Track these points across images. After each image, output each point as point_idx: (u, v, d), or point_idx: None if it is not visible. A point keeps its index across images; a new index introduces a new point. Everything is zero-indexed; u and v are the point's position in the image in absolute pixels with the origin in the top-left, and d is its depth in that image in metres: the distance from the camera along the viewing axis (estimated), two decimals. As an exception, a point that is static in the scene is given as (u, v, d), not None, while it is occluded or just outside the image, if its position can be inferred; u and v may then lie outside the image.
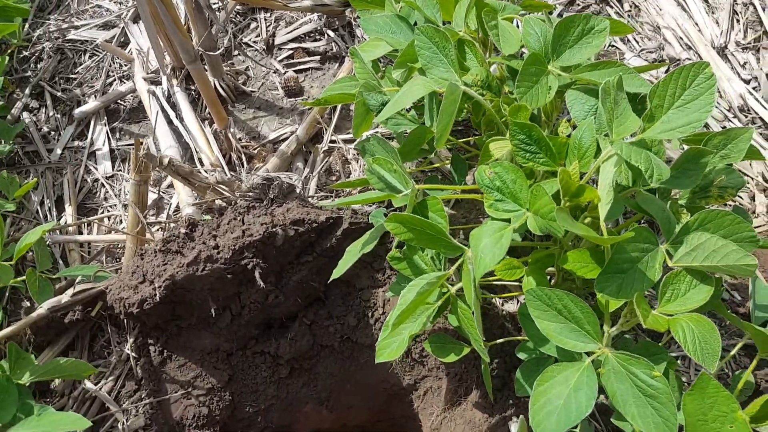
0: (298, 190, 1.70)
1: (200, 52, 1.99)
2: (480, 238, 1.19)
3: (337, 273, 1.51)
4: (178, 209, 1.92)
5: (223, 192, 1.67)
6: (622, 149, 1.12)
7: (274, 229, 1.60)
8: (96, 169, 2.20)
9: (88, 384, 1.75)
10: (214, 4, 2.38)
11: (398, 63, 1.50)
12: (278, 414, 1.94)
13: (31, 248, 1.68)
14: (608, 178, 1.16)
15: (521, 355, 1.46)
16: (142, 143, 1.55)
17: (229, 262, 1.59)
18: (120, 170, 2.19)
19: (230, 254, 1.58)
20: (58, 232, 2.00)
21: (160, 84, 2.17)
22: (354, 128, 1.57)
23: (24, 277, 1.70)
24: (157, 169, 1.58)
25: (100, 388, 1.75)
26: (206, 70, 2.24)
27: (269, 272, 1.67)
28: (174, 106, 2.14)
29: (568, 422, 1.04)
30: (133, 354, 1.78)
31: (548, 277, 1.42)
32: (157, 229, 1.85)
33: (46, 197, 2.16)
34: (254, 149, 2.12)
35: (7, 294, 1.91)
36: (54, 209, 2.13)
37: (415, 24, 1.63)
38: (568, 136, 1.32)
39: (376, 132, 2.04)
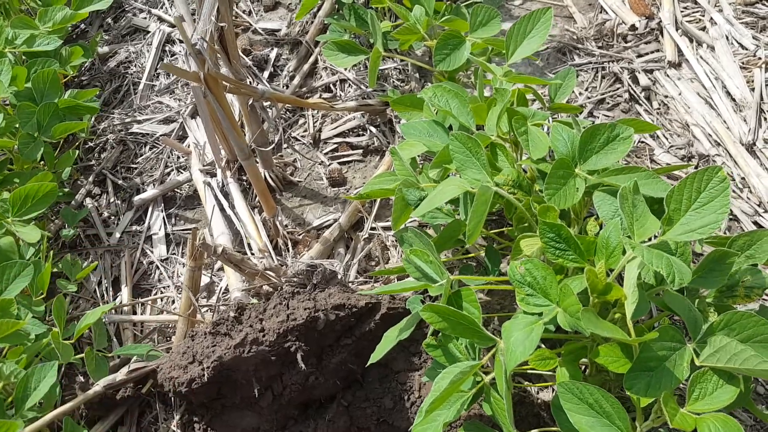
0: (339, 276, 1.81)
1: (253, 148, 2.16)
2: (511, 331, 1.26)
3: (374, 357, 1.59)
4: (227, 292, 2.04)
5: (270, 278, 1.78)
6: (643, 253, 1.20)
7: (316, 314, 1.70)
8: (152, 252, 2.35)
9: (135, 461, 1.83)
10: (266, 103, 2.58)
11: (434, 164, 1.63)
12: (312, 496, 1.98)
13: (89, 327, 1.80)
14: (633, 278, 1.24)
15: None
16: (198, 232, 1.69)
17: (273, 344, 1.68)
18: (174, 254, 2.33)
19: (275, 337, 1.67)
20: (114, 311, 2.13)
21: (215, 176, 2.34)
22: (393, 222, 1.69)
23: (81, 355, 1.82)
24: (211, 257, 1.71)
25: (147, 466, 1.83)
26: (258, 163, 2.41)
27: (310, 355, 1.75)
28: (227, 196, 2.30)
29: None
30: (179, 431, 1.86)
31: (581, 368, 1.48)
32: (206, 311, 1.96)
33: (104, 278, 2.31)
34: (299, 235, 2.25)
35: (62, 369, 2.03)
36: (111, 289, 2.27)
37: (450, 128, 1.76)
38: (597, 234, 1.41)
39: (414, 221, 2.15)
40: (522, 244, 1.42)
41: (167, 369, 1.75)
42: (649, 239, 1.32)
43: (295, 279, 1.80)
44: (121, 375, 1.71)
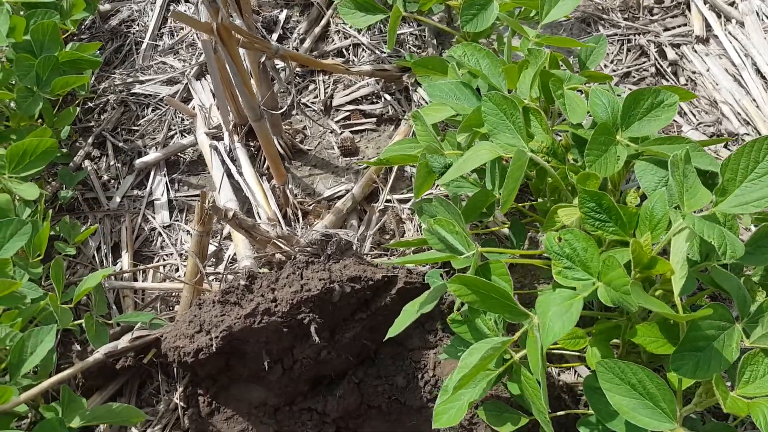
0: (354, 248, 1.71)
1: (263, 111, 2.05)
2: (548, 306, 1.18)
3: (393, 332, 1.51)
4: (234, 261, 1.94)
5: (282, 246, 1.69)
6: (695, 223, 1.11)
7: (331, 285, 1.61)
8: (154, 218, 2.25)
9: (135, 430, 1.74)
10: (278, 65, 2.47)
11: (463, 127, 1.53)
12: (320, 474, 1.90)
13: (88, 292, 1.71)
14: (682, 251, 1.15)
15: (583, 430, 1.41)
16: (208, 195, 1.59)
17: (286, 315, 1.59)
18: (177, 220, 2.23)
19: (288, 308, 1.58)
20: (113, 278, 2.03)
21: (222, 140, 2.23)
22: (415, 189, 1.59)
23: (80, 321, 1.72)
24: (221, 221, 1.61)
25: (147, 438, 1.74)
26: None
27: (324, 328, 1.66)
28: (234, 161, 2.19)
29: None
30: (182, 404, 1.77)
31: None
32: (213, 279, 1.87)
33: (103, 243, 2.21)
34: (309, 206, 2.15)
35: (59, 337, 1.94)
36: (110, 255, 2.17)
37: (478, 90, 1.66)
38: (637, 206, 1.32)
39: (431, 194, 2.06)
40: (560, 213, 1.33)
41: (172, 338, 1.66)
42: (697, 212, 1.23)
43: (308, 249, 1.70)
44: (123, 342, 1.62)
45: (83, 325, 1.65)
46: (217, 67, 1.90)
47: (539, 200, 1.63)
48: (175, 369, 1.81)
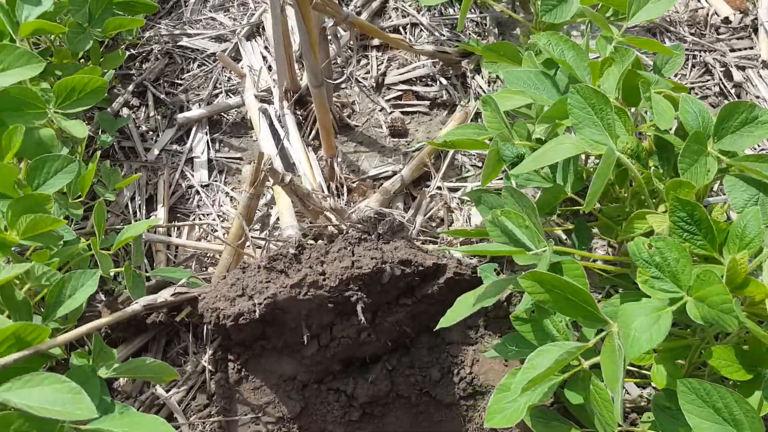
0: (406, 230, 1.65)
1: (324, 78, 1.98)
2: (632, 316, 1.12)
3: (446, 322, 1.44)
4: (276, 229, 1.88)
5: (334, 219, 1.62)
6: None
7: (383, 266, 1.55)
8: (192, 175, 2.18)
9: (159, 390, 1.68)
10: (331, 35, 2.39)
11: (543, 117, 1.47)
12: (339, 458, 1.85)
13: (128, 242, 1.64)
14: (778, 274, 1.09)
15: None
16: (265, 156, 1.52)
17: (333, 291, 1.53)
18: (216, 180, 2.16)
19: (336, 283, 1.52)
20: (152, 230, 1.97)
21: (271, 104, 2.16)
22: (484, 177, 1.53)
23: (118, 270, 1.65)
24: (276, 185, 1.54)
25: (170, 397, 1.68)
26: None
27: (368, 309, 1.60)
28: (281, 128, 2.12)
29: None
30: (210, 367, 1.71)
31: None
32: (250, 246, 1.80)
33: (138, 194, 2.14)
34: (353, 182, 2.08)
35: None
36: (144, 207, 2.10)
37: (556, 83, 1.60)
38: (726, 221, 1.26)
39: (476, 185, 1.99)
40: (649, 220, 1.26)
41: (211, 299, 1.59)
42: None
43: (358, 225, 1.64)
44: (162, 297, 1.55)
45: (121, 274, 1.58)
46: (282, 28, 1.83)
47: (608, 205, 1.56)
48: (206, 331, 1.75)
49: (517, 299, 1.78)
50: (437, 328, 1.46)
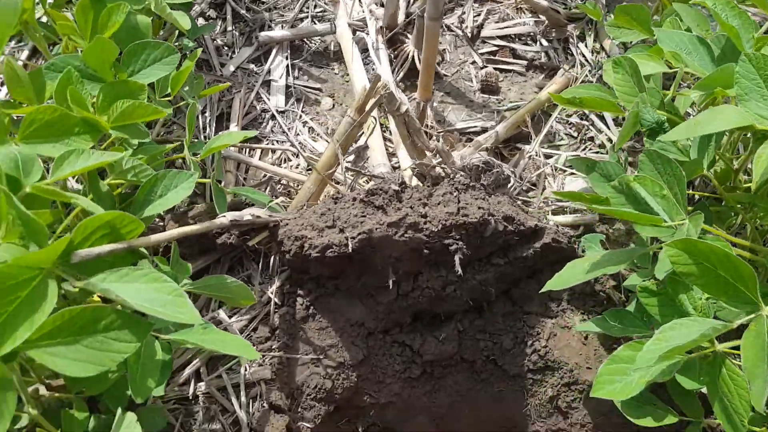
0: (511, 186, 1.54)
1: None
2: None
3: (554, 285, 1.34)
4: (366, 163, 1.76)
5: (440, 161, 1.51)
6: None
7: (489, 218, 1.44)
8: (268, 99, 2.05)
9: (222, 314, 1.58)
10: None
11: (701, 85, 1.34)
12: (391, 415, 1.75)
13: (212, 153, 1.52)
14: None
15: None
16: (382, 80, 1.40)
17: (433, 236, 1.42)
18: (293, 107, 2.04)
19: (438, 228, 1.41)
20: (233, 148, 1.85)
21: (367, 35, 2.03)
22: (620, 139, 1.41)
23: (205, 180, 1.54)
24: (389, 113, 1.42)
25: (232, 324, 1.58)
26: (408, 39, 2.11)
27: (461, 262, 1.49)
28: (373, 61, 1.99)
29: None
30: (276, 300, 1.60)
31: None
32: (334, 182, 1.68)
33: (209, 110, 2.01)
34: (439, 132, 1.96)
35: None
36: (213, 124, 1.98)
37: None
38: None
39: (570, 155, 1.87)
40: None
41: (296, 227, 1.48)
42: None
43: (461, 172, 1.52)
44: (248, 215, 1.43)
45: (208, 185, 1.46)
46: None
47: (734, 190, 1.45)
48: (273, 262, 1.64)
49: (605, 278, 1.67)
50: (545, 289, 1.35)
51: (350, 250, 1.38)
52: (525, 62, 2.16)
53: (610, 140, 1.94)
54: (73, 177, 1.37)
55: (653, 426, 1.34)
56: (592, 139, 1.99)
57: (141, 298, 0.99)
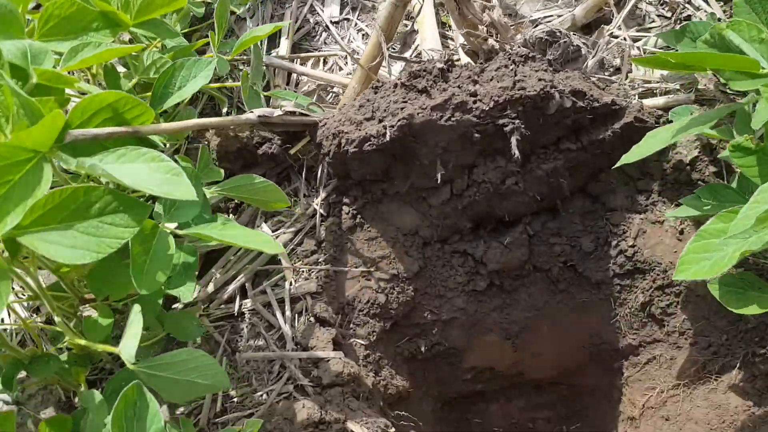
0: (583, 60, 1.31)
1: None
2: None
3: (630, 158, 1.12)
4: (419, 53, 1.59)
5: (497, 35, 1.31)
6: None
7: (551, 91, 1.23)
8: (322, 11, 1.92)
9: (265, 227, 1.49)
10: None
11: None
12: (457, 332, 1.60)
13: (247, 52, 1.41)
14: None
15: None
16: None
17: (484, 116, 1.23)
18: (348, 17, 1.89)
19: (490, 106, 1.22)
20: (275, 53, 1.74)
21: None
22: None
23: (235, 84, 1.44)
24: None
25: (276, 238, 1.48)
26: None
27: (520, 147, 1.30)
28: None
29: None
30: (322, 211, 1.49)
31: None
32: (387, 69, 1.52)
33: (261, 23, 1.91)
34: (511, 26, 1.74)
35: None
36: (265, 41, 1.87)
37: None
38: None
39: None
40: None
41: (334, 123, 1.34)
42: None
43: (524, 48, 1.32)
44: (279, 111, 1.32)
45: (240, 87, 1.36)
46: None
47: None
48: (320, 174, 1.51)
49: (703, 164, 1.40)
50: (617, 165, 1.14)
51: (388, 140, 1.23)
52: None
53: (713, 15, 1.65)
54: (92, 76, 1.31)
55: (760, 313, 1.10)
56: (689, 18, 1.70)
57: (136, 177, 0.90)
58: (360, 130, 1.29)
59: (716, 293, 1.15)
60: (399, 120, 1.24)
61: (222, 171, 1.31)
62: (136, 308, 0.95)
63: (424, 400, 1.70)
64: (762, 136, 1.01)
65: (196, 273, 1.17)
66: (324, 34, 1.88)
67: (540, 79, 1.21)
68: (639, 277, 1.45)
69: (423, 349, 1.57)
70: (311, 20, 1.91)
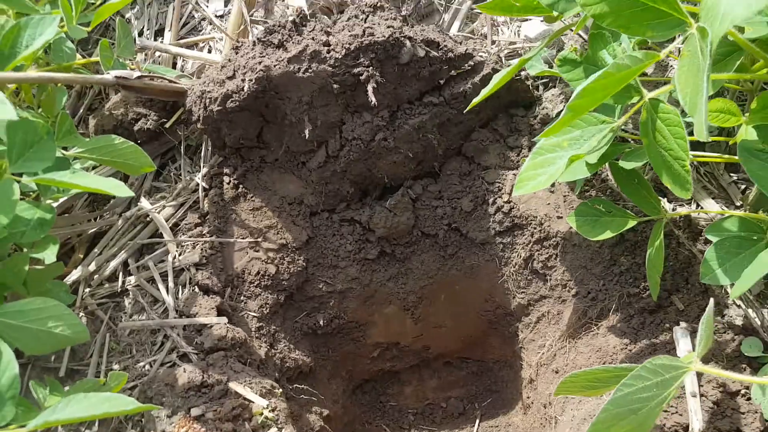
0: (438, 18, 1.36)
1: None
2: (721, -4, 0.79)
3: (477, 101, 1.14)
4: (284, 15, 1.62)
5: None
6: None
7: (401, 37, 1.26)
8: (206, 6, 1.95)
9: (144, 202, 1.47)
10: None
11: None
12: (355, 304, 1.58)
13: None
14: None
15: (712, 237, 1.04)
16: None
17: (338, 65, 1.25)
18: (230, 11, 1.93)
19: (342, 54, 1.25)
20: (148, 38, 1.75)
21: None
22: None
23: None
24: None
25: (159, 212, 1.46)
26: None
27: (384, 100, 1.33)
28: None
29: None
30: (204, 184, 1.48)
31: None
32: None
33: (147, 27, 1.92)
34: None
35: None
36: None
37: None
38: None
39: None
40: None
41: (199, 87, 1.35)
42: None
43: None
44: (137, 72, 1.32)
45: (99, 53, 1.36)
46: None
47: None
48: (204, 148, 1.51)
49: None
50: (471, 106, 1.16)
51: (247, 94, 1.24)
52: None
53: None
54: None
55: (614, 236, 1.13)
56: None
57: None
58: (222, 87, 1.30)
59: (574, 224, 1.17)
60: (256, 73, 1.25)
61: (86, 140, 1.30)
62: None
63: (333, 381, 1.67)
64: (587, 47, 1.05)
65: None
66: (209, 27, 1.90)
67: (389, 27, 1.25)
68: (518, 233, 1.48)
69: (322, 323, 1.55)
70: (196, 16, 1.94)
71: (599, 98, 0.87)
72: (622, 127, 1.03)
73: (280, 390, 1.31)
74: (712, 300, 0.88)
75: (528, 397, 1.60)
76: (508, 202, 1.47)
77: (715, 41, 0.78)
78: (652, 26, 0.89)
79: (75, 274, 1.43)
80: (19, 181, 1.06)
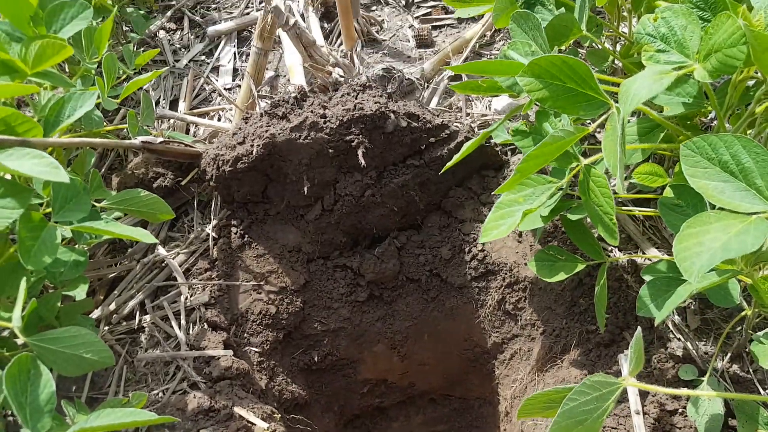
0: (418, 95, 1.59)
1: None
2: (633, 81, 1.02)
3: (451, 163, 1.36)
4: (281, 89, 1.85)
5: (339, 74, 1.59)
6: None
7: (386, 111, 1.49)
8: (216, 80, 2.20)
9: (161, 250, 1.66)
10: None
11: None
12: (346, 342, 1.76)
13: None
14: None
15: (647, 277, 1.23)
16: (273, 3, 1.51)
17: (333, 133, 1.48)
18: (239, 84, 2.17)
19: (337, 124, 1.47)
20: (167, 108, 1.98)
21: (296, 2, 2.18)
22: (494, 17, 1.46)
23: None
24: (281, 29, 1.52)
25: (172, 257, 1.65)
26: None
27: (372, 163, 1.54)
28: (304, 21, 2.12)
29: (725, 256, 0.82)
30: (213, 234, 1.68)
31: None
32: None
33: (163, 98, 2.16)
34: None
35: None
36: (167, 107, 2.12)
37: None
38: None
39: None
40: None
41: (213, 150, 1.57)
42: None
43: (364, 78, 1.59)
44: (161, 138, 1.54)
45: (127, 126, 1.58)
46: None
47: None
48: (214, 206, 1.72)
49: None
50: (443, 171, 1.38)
51: (255, 157, 1.46)
52: (456, 17, 2.25)
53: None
54: None
55: (566, 278, 1.33)
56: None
57: (21, 167, 1.09)
58: (233, 151, 1.51)
59: (534, 269, 1.37)
60: (263, 140, 1.47)
61: (112, 194, 1.50)
62: (23, 284, 1.10)
63: (326, 414, 1.83)
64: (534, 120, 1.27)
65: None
66: (218, 99, 2.14)
67: (376, 102, 1.48)
68: (491, 278, 1.67)
69: (316, 359, 1.72)
70: (207, 89, 2.18)
71: (541, 162, 1.08)
72: (570, 186, 1.24)
73: (280, 415, 1.48)
74: (639, 328, 1.07)
75: (504, 430, 1.75)
76: (482, 250, 1.68)
77: (626, 118, 1.00)
78: (582, 107, 1.11)
79: (96, 313, 1.61)
80: (60, 226, 1.26)
